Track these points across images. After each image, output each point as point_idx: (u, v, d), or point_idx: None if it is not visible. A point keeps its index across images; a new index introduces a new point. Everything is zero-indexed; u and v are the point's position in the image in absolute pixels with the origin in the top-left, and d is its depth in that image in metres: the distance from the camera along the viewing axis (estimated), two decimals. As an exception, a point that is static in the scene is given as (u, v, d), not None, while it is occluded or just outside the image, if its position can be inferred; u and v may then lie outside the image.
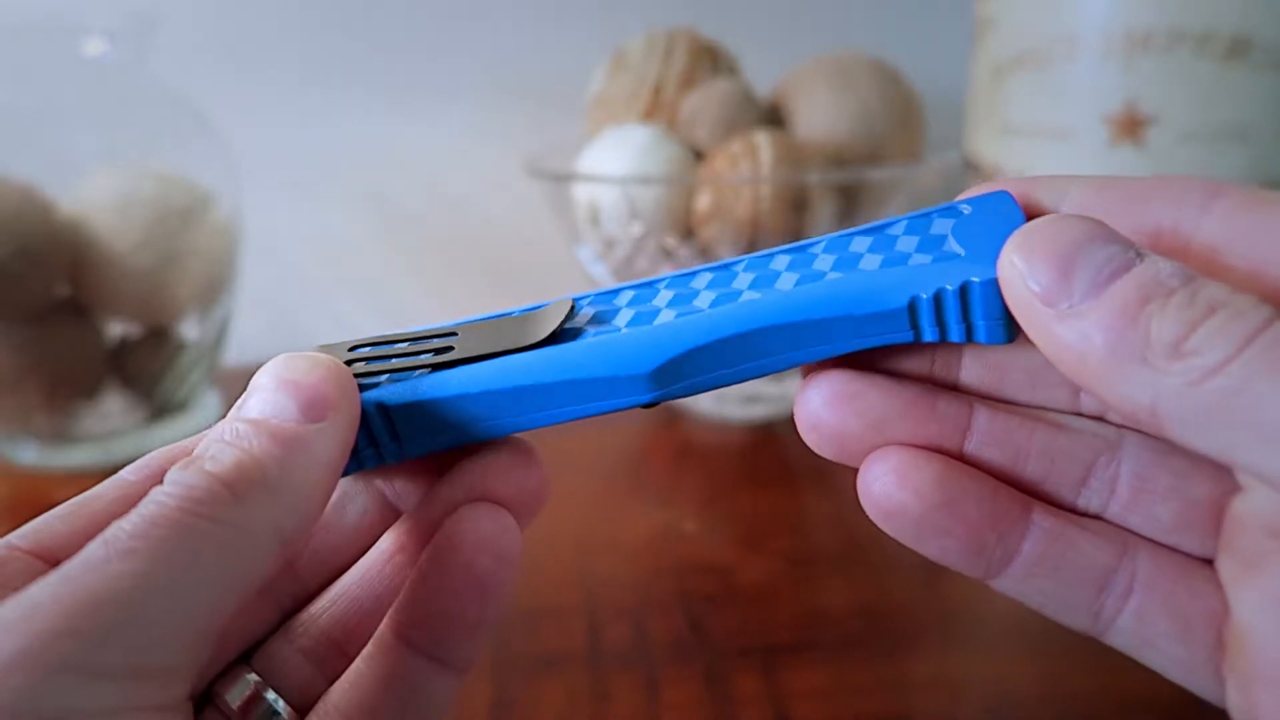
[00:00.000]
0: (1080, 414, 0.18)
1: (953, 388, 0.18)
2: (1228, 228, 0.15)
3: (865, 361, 0.18)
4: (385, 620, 0.19)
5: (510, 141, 0.59)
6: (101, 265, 0.44)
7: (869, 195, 0.46)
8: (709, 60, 0.49)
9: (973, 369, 0.18)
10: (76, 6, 0.52)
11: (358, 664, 0.18)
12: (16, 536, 0.16)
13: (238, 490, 0.15)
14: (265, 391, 0.16)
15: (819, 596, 0.35)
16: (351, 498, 0.20)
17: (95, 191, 0.45)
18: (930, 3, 0.62)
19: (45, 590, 0.13)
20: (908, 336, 0.17)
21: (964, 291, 0.16)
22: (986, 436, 0.17)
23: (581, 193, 0.46)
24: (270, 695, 0.18)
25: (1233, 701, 0.16)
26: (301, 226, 0.62)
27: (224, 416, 0.17)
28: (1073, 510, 0.17)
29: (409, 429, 0.18)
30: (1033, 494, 0.17)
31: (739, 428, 0.49)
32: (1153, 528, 0.17)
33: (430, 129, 0.61)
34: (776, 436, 0.48)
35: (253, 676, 0.18)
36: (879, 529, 0.17)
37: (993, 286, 0.16)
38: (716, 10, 0.58)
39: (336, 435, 0.16)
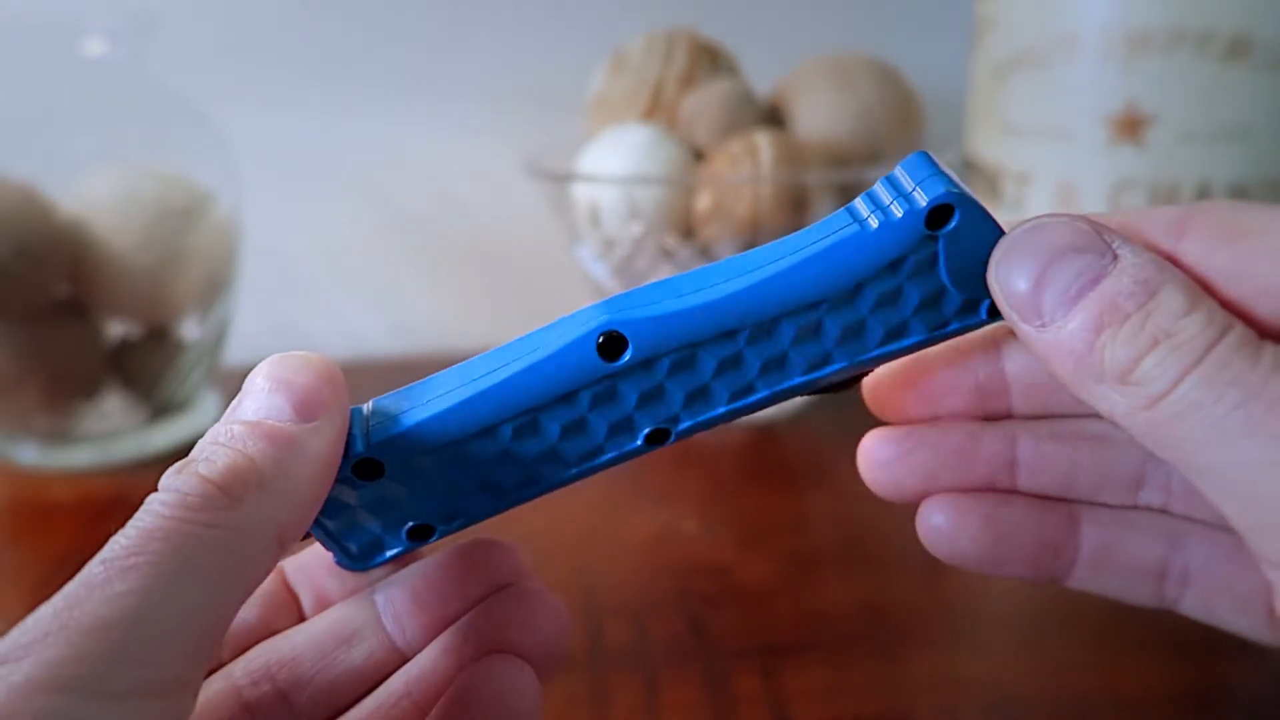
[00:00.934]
0: None
1: (1007, 416, 0.19)
2: (1200, 267, 0.16)
3: (920, 405, 0.20)
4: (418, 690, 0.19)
5: (510, 141, 0.59)
6: (101, 265, 0.44)
7: (869, 195, 0.46)
8: (709, 60, 0.49)
9: (1020, 397, 0.19)
10: (76, 6, 0.52)
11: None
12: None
13: (233, 492, 0.15)
14: (258, 392, 0.17)
15: (819, 596, 0.35)
16: (359, 638, 0.19)
17: (95, 191, 0.45)
18: (930, 3, 0.62)
19: (50, 615, 0.13)
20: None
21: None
22: (1034, 467, 0.18)
23: (581, 193, 0.46)
24: None
25: None
26: (301, 226, 0.62)
27: (221, 418, 0.17)
28: (1135, 508, 0.18)
29: (392, 445, 0.18)
30: (1092, 504, 0.18)
31: (739, 428, 0.49)
32: (1213, 513, 0.18)
33: (430, 129, 0.61)
34: (776, 437, 0.48)
35: None
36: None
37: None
38: (716, 10, 0.58)
39: (329, 433, 0.16)
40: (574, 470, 0.19)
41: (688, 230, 0.45)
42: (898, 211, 0.17)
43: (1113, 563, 0.18)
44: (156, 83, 0.48)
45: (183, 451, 0.52)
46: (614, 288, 0.48)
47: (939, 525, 0.19)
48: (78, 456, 0.47)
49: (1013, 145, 0.43)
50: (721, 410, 0.18)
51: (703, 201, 0.44)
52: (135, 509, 0.15)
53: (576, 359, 0.17)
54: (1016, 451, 0.19)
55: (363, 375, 0.58)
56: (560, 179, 0.47)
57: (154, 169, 0.47)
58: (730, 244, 0.44)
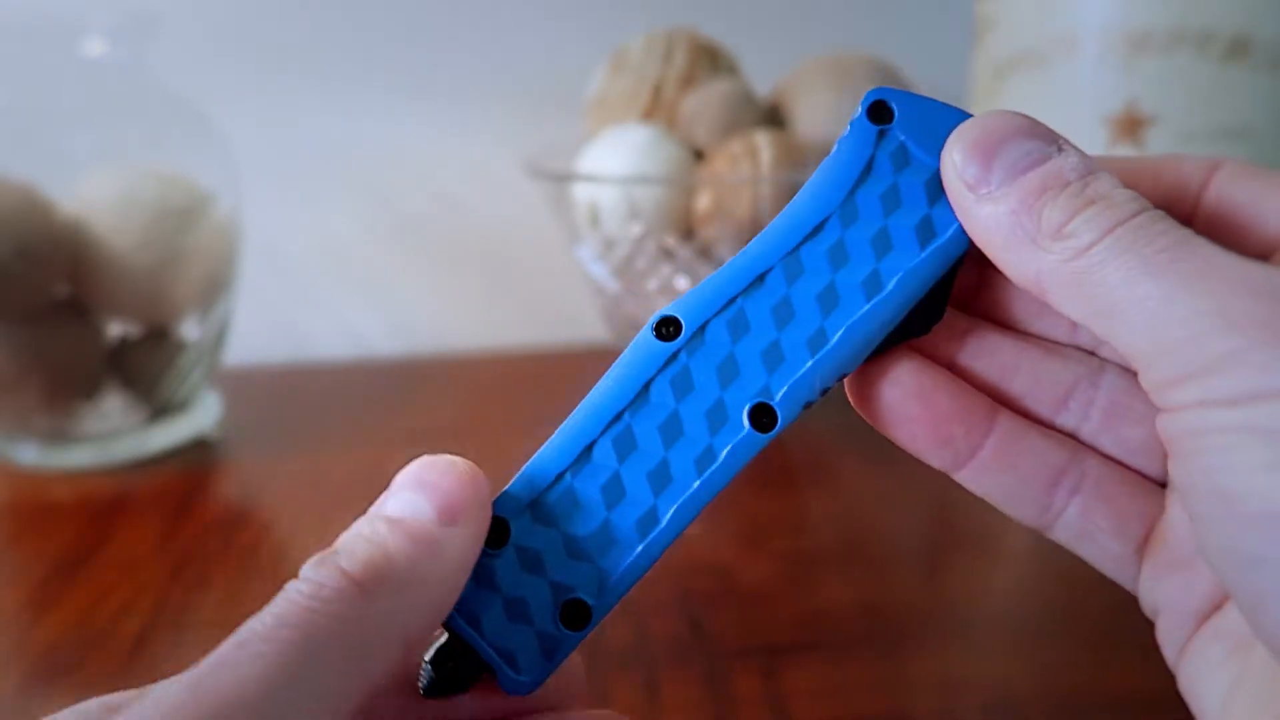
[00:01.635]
0: (1076, 346, 0.19)
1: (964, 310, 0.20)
2: (1221, 194, 0.17)
3: None
4: None
5: (510, 141, 0.59)
6: (101, 265, 0.44)
7: (869, 195, 0.46)
8: (709, 60, 0.49)
9: (985, 296, 0.20)
10: (76, 6, 0.52)
11: None
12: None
13: (368, 588, 0.15)
14: (403, 491, 0.17)
15: (819, 596, 0.35)
16: None
17: (95, 191, 0.45)
18: (930, 3, 0.62)
19: (182, 692, 0.14)
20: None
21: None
22: (978, 350, 0.19)
23: (581, 193, 0.46)
24: None
25: (1144, 588, 0.18)
26: (301, 226, 0.62)
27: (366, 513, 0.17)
28: (1050, 427, 0.19)
29: (509, 498, 0.19)
30: (1014, 408, 0.19)
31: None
32: (1120, 449, 0.19)
33: (430, 129, 0.61)
34: (777, 437, 0.48)
35: None
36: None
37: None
38: (716, 10, 0.58)
39: (468, 539, 0.17)
40: (698, 484, 0.18)
41: (688, 230, 0.45)
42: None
43: (1013, 459, 0.19)
44: (156, 83, 0.48)
45: (183, 451, 0.52)
46: (614, 288, 0.48)
47: (874, 370, 0.19)
48: (78, 456, 0.47)
49: (1013, 145, 0.43)
50: (809, 365, 0.18)
51: (703, 201, 0.44)
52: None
53: (640, 352, 0.19)
54: (969, 335, 0.19)
55: (363, 375, 0.59)
56: (560, 179, 0.47)
57: (154, 169, 0.47)
58: (730, 244, 0.44)
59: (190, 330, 0.49)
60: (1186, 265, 0.15)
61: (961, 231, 0.18)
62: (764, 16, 0.61)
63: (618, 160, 0.45)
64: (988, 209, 0.17)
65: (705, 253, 0.45)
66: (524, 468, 0.19)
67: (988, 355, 0.19)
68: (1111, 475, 0.18)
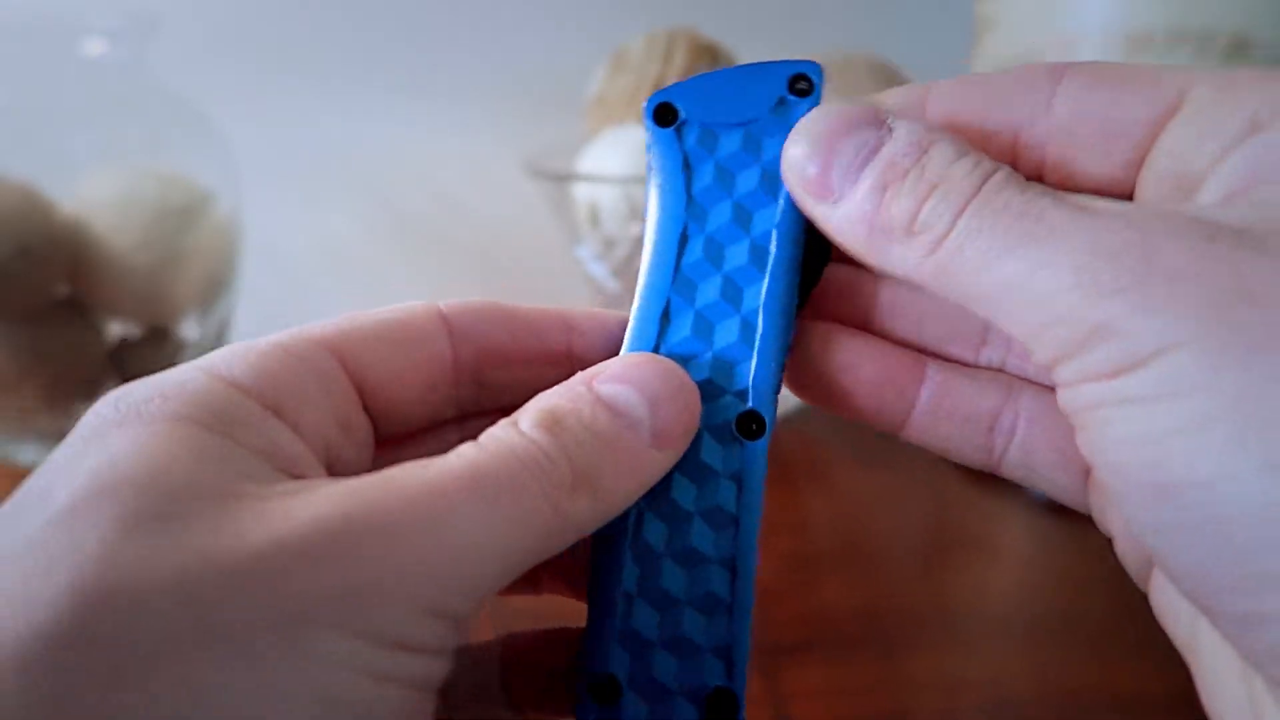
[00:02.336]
0: None
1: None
2: (1070, 116, 0.17)
3: None
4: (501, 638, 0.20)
5: (510, 141, 0.59)
6: (101, 265, 0.44)
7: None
8: (709, 60, 0.49)
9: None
10: (76, 6, 0.52)
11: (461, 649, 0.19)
12: (335, 332, 0.17)
13: (578, 483, 0.15)
14: (630, 386, 0.16)
15: (819, 596, 0.35)
16: None
17: (95, 191, 0.45)
18: (930, 3, 0.62)
19: (419, 499, 0.14)
20: None
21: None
22: (890, 308, 0.19)
23: (581, 193, 0.46)
24: None
25: (1095, 515, 0.18)
26: (301, 226, 0.62)
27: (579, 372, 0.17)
28: (974, 366, 0.19)
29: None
30: (938, 355, 0.19)
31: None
32: (1046, 376, 0.19)
33: (430, 129, 0.61)
34: (776, 437, 0.48)
35: None
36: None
37: None
38: (716, 10, 0.58)
39: (661, 469, 0.17)
40: (744, 525, 0.18)
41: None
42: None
43: (948, 409, 0.18)
44: (156, 83, 0.48)
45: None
46: (614, 288, 0.48)
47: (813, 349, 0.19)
48: (78, 456, 0.47)
49: (1013, 145, 0.43)
50: (754, 358, 0.18)
51: (703, 201, 0.44)
52: None
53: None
54: (878, 294, 0.19)
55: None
56: (560, 179, 0.47)
57: (154, 169, 0.47)
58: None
59: (190, 330, 0.49)
60: (1039, 234, 0.14)
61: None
62: (764, 16, 0.61)
63: (618, 160, 0.45)
64: (839, 214, 0.16)
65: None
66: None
67: (900, 310, 0.19)
68: (1047, 407, 0.18)
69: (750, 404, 0.18)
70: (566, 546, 0.16)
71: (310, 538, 0.13)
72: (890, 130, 0.17)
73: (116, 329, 0.47)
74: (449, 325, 0.18)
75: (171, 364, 0.16)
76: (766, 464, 0.18)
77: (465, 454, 0.15)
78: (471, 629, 0.19)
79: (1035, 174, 0.17)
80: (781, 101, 0.19)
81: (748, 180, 0.19)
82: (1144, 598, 0.19)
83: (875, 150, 0.16)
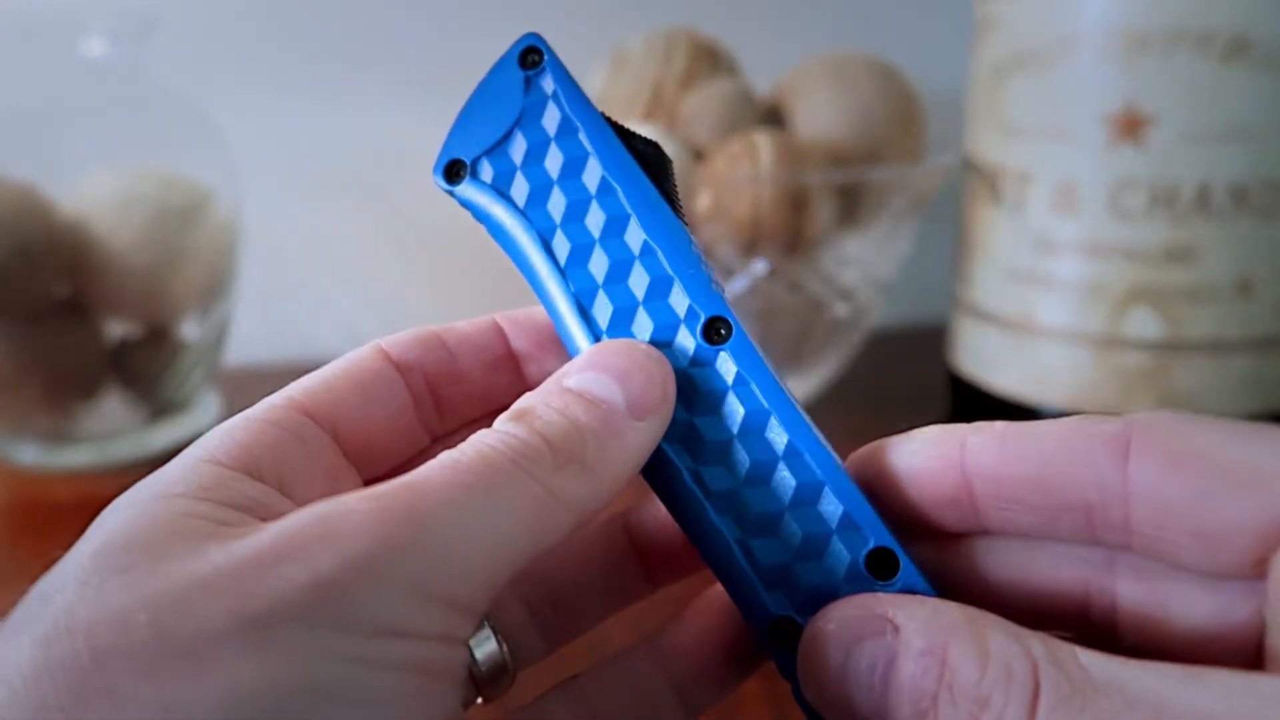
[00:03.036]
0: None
1: None
2: (1155, 511, 0.15)
3: None
4: (649, 636, 0.20)
5: (510, 141, 0.59)
6: (101, 265, 0.44)
7: (869, 195, 0.46)
8: (709, 60, 0.49)
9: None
10: (76, 6, 0.52)
11: (612, 665, 0.20)
12: (298, 393, 0.17)
13: (560, 460, 0.15)
14: (598, 372, 0.17)
15: (819, 596, 0.35)
16: None
17: (95, 191, 0.45)
18: (930, 3, 0.62)
19: (397, 496, 0.14)
20: None
21: None
22: (989, 562, 0.18)
23: (581, 193, 0.46)
24: (484, 623, 0.19)
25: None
26: (301, 226, 0.62)
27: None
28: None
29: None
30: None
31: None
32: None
33: (431, 129, 0.60)
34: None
35: None
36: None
37: None
38: (716, 10, 0.58)
39: (649, 436, 0.17)
40: (786, 411, 0.18)
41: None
42: None
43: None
44: (156, 83, 0.48)
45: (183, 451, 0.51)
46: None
47: None
48: (78, 456, 0.47)
49: (1013, 145, 0.43)
50: (679, 276, 0.18)
51: (703, 201, 0.44)
52: None
53: None
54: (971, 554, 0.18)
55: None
56: (560, 179, 0.47)
57: (154, 169, 0.47)
58: (730, 244, 0.44)
59: (190, 330, 0.49)
60: None
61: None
62: (764, 16, 0.61)
63: (618, 160, 0.45)
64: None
65: (705, 253, 0.45)
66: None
67: (998, 567, 0.17)
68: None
69: (705, 314, 0.18)
70: (572, 526, 0.16)
71: (274, 544, 0.13)
72: (897, 630, 0.15)
73: (116, 329, 0.47)
74: (393, 360, 0.19)
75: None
76: (754, 347, 0.18)
77: (443, 456, 0.15)
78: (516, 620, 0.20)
79: (1123, 549, 0.16)
80: (528, 83, 0.20)
81: (554, 159, 0.19)
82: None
83: (890, 665, 0.15)
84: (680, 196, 0.19)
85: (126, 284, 0.45)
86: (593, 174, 0.19)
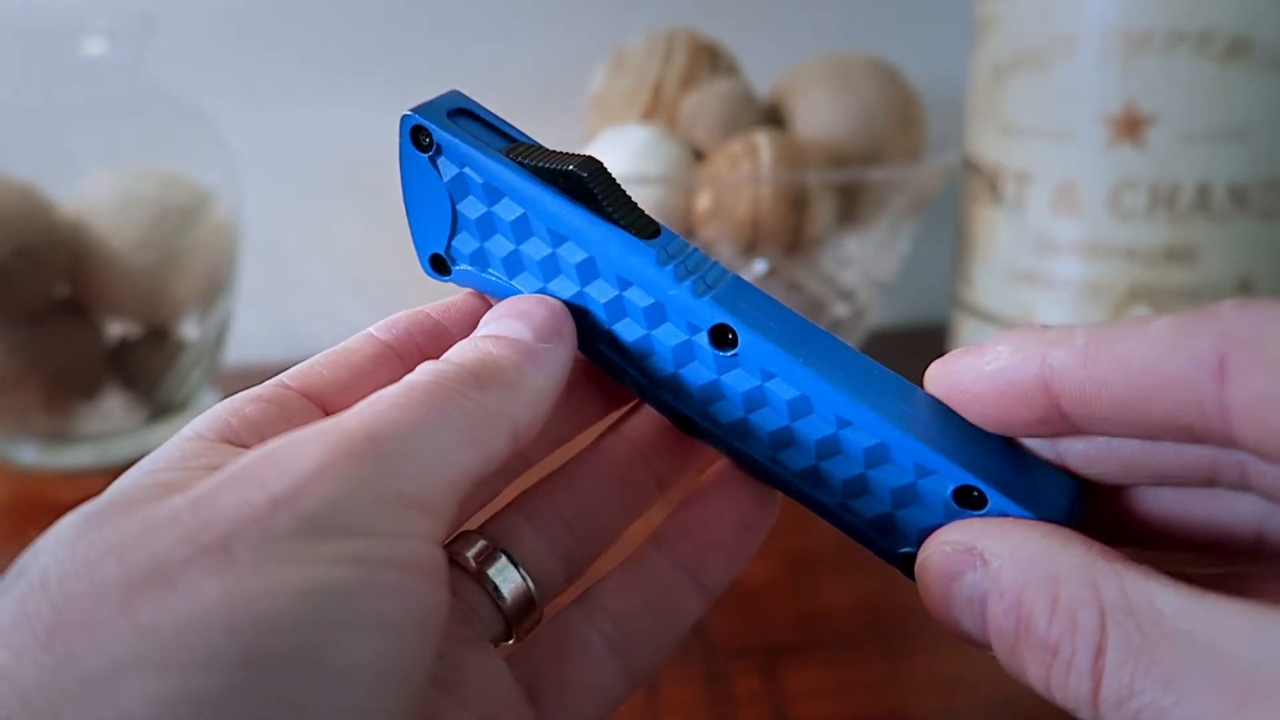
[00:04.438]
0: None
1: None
2: (1256, 421, 0.14)
3: None
4: (649, 537, 0.21)
5: (510, 141, 0.59)
6: (101, 265, 0.44)
7: (869, 195, 0.46)
8: (709, 60, 0.49)
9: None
10: (76, 6, 0.52)
11: (620, 571, 0.21)
12: (287, 376, 0.18)
13: (480, 380, 0.17)
14: (498, 319, 0.19)
15: (819, 596, 0.35)
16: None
17: (95, 191, 0.45)
18: (930, 3, 0.62)
19: (345, 419, 0.15)
20: None
21: None
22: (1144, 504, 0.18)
23: (581, 193, 0.46)
24: (501, 555, 0.20)
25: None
26: (301, 226, 0.62)
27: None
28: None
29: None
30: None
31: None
32: None
33: (430, 129, 0.61)
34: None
35: (482, 541, 0.20)
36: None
37: None
38: (716, 10, 0.58)
39: (561, 355, 0.19)
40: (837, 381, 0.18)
41: (688, 230, 0.45)
42: None
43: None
44: (156, 83, 0.48)
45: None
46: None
47: None
48: (78, 456, 0.47)
49: (1013, 145, 0.43)
50: (644, 285, 0.19)
51: (703, 201, 0.44)
52: None
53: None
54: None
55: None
56: (560, 179, 0.47)
57: (154, 169, 0.47)
58: (730, 244, 0.44)
59: (190, 330, 0.49)
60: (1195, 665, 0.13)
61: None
62: (764, 16, 0.61)
63: (618, 160, 0.45)
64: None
65: (705, 252, 0.45)
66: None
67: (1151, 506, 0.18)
68: None
69: (705, 325, 0.18)
70: (510, 437, 0.17)
71: (227, 477, 0.14)
72: (985, 562, 0.16)
73: (116, 329, 0.47)
74: (381, 339, 0.20)
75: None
76: (765, 341, 0.18)
77: (373, 394, 0.16)
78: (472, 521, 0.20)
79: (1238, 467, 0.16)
80: (434, 164, 0.20)
81: (503, 226, 0.19)
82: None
83: (984, 600, 0.16)
84: (621, 201, 0.19)
85: (126, 284, 0.45)
86: (540, 229, 0.19)
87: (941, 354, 0.18)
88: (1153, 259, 0.40)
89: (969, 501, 0.17)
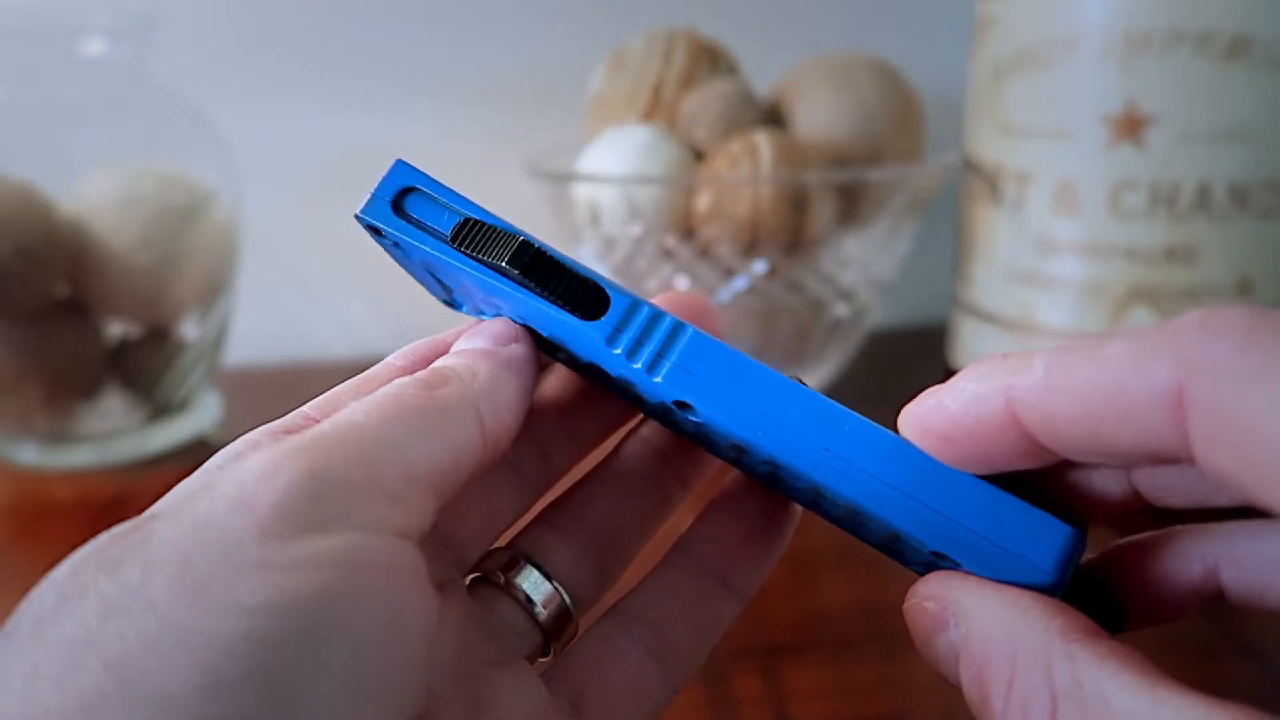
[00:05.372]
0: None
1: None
2: (1216, 460, 0.13)
3: None
4: (677, 543, 0.21)
5: (510, 141, 0.59)
6: (101, 265, 0.44)
7: (869, 195, 0.46)
8: (709, 60, 0.49)
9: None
10: (76, 6, 0.52)
11: (652, 578, 0.21)
12: (310, 408, 0.19)
13: (432, 383, 0.17)
14: (464, 340, 0.19)
15: (819, 596, 0.35)
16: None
17: (95, 191, 0.45)
18: (930, 3, 0.62)
19: (323, 426, 0.16)
20: None
21: None
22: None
23: (581, 193, 0.46)
24: (530, 567, 0.20)
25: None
26: (301, 226, 0.62)
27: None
28: None
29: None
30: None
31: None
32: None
33: (430, 129, 0.61)
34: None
35: (510, 553, 0.20)
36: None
37: None
38: (716, 10, 0.58)
39: (521, 351, 0.19)
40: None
41: (688, 230, 0.45)
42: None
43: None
44: (156, 83, 0.48)
45: (183, 451, 0.52)
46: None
47: None
48: (78, 456, 0.47)
49: (1013, 145, 0.43)
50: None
51: (703, 201, 0.44)
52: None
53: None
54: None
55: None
56: (560, 179, 0.47)
57: (154, 169, 0.47)
58: (730, 244, 0.44)
59: (190, 330, 0.49)
60: None
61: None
62: (764, 16, 0.61)
63: (618, 160, 0.45)
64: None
65: (705, 252, 0.45)
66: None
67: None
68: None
69: (669, 399, 0.18)
70: (478, 432, 0.17)
71: (191, 487, 0.15)
72: (959, 628, 0.16)
73: (116, 329, 0.47)
74: (403, 369, 0.20)
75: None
76: (719, 409, 0.17)
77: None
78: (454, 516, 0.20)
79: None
80: (398, 247, 0.20)
81: (481, 300, 0.20)
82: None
83: (957, 660, 0.16)
84: (564, 272, 0.18)
85: (126, 284, 0.45)
86: (508, 311, 0.20)
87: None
88: (1153, 259, 0.40)
89: (947, 561, 0.17)
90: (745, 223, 0.44)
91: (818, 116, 0.47)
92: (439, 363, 0.19)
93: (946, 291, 0.50)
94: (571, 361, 0.20)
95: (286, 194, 0.60)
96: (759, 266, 0.45)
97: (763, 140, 0.44)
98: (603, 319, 0.18)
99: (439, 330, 0.21)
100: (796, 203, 0.44)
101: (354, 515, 0.15)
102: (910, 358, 0.56)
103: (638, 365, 0.18)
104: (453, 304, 0.21)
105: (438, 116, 0.60)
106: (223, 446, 0.17)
